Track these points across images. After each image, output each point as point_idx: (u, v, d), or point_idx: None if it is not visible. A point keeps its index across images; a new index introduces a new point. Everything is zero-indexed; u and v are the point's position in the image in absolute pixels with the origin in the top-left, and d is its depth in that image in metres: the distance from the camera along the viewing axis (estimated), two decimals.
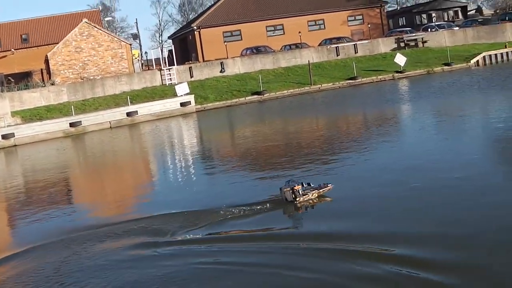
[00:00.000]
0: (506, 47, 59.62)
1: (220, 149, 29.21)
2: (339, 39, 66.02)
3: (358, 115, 34.97)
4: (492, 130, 22.60)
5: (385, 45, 62.74)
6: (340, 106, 39.78)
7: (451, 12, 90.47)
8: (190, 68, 57.36)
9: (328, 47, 61.80)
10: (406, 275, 9.76)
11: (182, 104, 47.92)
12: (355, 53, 60.71)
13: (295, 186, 15.36)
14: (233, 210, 15.15)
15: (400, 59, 53.33)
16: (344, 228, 12.84)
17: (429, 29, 69.98)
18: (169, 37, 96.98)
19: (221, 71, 56.91)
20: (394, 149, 21.33)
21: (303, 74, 54.21)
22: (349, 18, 77.89)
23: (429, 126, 26.20)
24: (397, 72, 53.39)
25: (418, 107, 33.71)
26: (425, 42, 62.73)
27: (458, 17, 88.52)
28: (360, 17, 78.22)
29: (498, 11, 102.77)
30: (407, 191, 15.08)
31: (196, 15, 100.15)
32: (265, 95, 50.34)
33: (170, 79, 54.90)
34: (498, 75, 45.03)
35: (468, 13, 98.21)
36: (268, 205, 15.39)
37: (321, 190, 15.66)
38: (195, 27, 72.26)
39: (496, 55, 58.22)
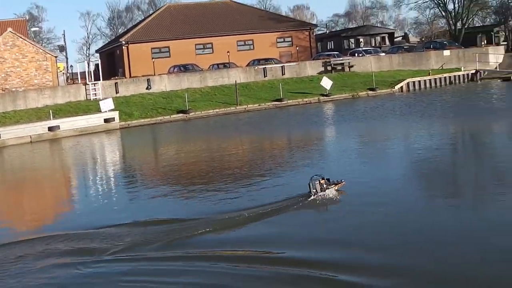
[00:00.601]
0: (429, 75, 60.92)
1: (141, 167, 28.90)
2: (267, 60, 66.29)
3: (281, 137, 35.24)
4: (410, 155, 23.15)
5: (312, 68, 63.22)
6: (264, 128, 39.80)
7: (378, 38, 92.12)
8: (116, 83, 56.56)
9: (256, 68, 61.92)
10: None
11: (106, 120, 47.21)
12: (283, 74, 61.00)
13: (320, 179, 16.66)
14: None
15: (326, 83, 53.83)
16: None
17: (356, 54, 71.08)
18: (96, 51, 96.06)
19: (147, 88, 56.31)
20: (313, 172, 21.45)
21: (229, 94, 54.15)
22: (278, 40, 78.55)
23: (351, 150, 26.52)
24: (323, 95, 53.80)
25: (341, 131, 34.31)
26: (352, 66, 63.51)
27: (385, 43, 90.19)
28: (289, 39, 78.95)
29: (423, 39, 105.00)
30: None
31: (125, 29, 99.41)
32: (190, 114, 50.05)
33: (95, 94, 54.00)
34: (420, 102, 46.04)
35: (395, 39, 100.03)
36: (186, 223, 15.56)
37: (338, 185, 17.02)
38: (123, 42, 71.78)
39: (420, 82, 59.41)
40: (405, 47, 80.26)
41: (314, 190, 16.55)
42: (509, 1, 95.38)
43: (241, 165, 25.06)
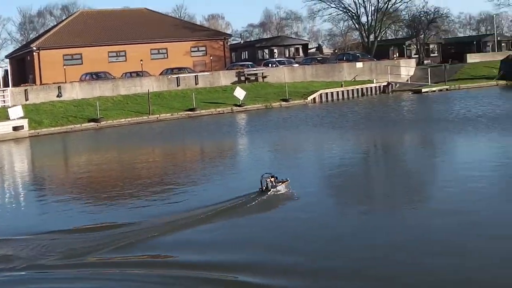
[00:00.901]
0: (342, 86, 61.73)
1: (50, 176, 28.18)
2: (180, 69, 65.92)
3: (193, 147, 35.01)
4: (320, 165, 23.31)
5: (226, 78, 63.19)
6: (176, 137, 39.62)
7: (292, 49, 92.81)
8: (26, 90, 55.09)
9: (169, 77, 61.46)
10: None
11: (15, 128, 45.91)
12: (196, 84, 60.73)
13: (270, 177, 18.06)
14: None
15: (240, 93, 53.84)
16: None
17: (270, 65, 71.40)
18: (6, 57, 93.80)
19: (58, 96, 55.11)
20: (221, 183, 21.42)
21: (142, 103, 53.53)
22: (192, 49, 78.29)
23: (263, 160, 26.56)
24: (236, 105, 53.79)
25: (254, 141, 34.26)
26: (265, 77, 63.73)
27: (298, 54, 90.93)
28: (204, 48, 78.80)
29: (337, 50, 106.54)
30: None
31: (37, 35, 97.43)
32: (102, 123, 49.22)
33: (4, 101, 52.61)
34: (332, 113, 46.64)
35: (309, 50, 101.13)
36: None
37: (285, 183, 18.48)
38: (34, 48, 70.22)
39: (332, 93, 60.16)
40: (318, 58, 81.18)
41: (265, 187, 17.85)
42: (421, 15, 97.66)
43: (152, 175, 24.73)
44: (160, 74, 64.61)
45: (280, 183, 18.37)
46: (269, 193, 17.74)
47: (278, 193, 17.93)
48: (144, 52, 73.39)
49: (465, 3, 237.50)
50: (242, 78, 63.32)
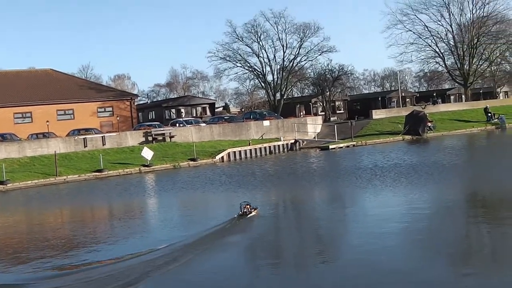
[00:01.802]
0: (249, 145, 62.35)
1: None
2: (87, 130, 65.50)
3: (100, 208, 34.69)
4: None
5: (133, 138, 62.97)
6: (83, 199, 39.09)
7: (199, 108, 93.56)
8: None
9: (76, 137, 60.86)
10: None
11: None
12: (103, 145, 60.29)
13: (247, 205, 24.19)
14: None
15: (147, 153, 53.68)
16: None
17: (177, 124, 71.69)
18: None
19: None
20: (126, 244, 21.43)
21: (49, 164, 52.75)
22: (99, 110, 78.08)
23: (169, 220, 26.68)
24: (144, 165, 53.54)
25: (161, 201, 34.31)
26: (173, 136, 63.87)
27: (206, 113, 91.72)
28: (110, 109, 78.68)
29: (244, 109, 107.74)
30: None
31: None
32: (8, 185, 48.19)
33: None
34: (240, 171, 46.96)
35: (216, 109, 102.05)
36: None
37: (256, 210, 24.39)
38: None
39: (240, 151, 60.63)
40: (225, 117, 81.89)
41: (242, 212, 23.75)
42: (326, 72, 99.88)
43: (57, 236, 24.46)
44: (66, 135, 64.05)
45: (254, 210, 24.18)
46: (244, 215, 23.48)
47: (251, 216, 23.51)
48: (50, 113, 72.77)
49: (369, 60, 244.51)
50: (150, 138, 63.26)
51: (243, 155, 60.53)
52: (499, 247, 17.10)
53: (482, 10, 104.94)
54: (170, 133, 64.58)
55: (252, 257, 18.43)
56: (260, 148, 62.99)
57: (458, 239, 18.50)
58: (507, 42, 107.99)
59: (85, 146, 59.44)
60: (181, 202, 33.74)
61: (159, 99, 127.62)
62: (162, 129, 66.57)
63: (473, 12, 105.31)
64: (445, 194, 27.56)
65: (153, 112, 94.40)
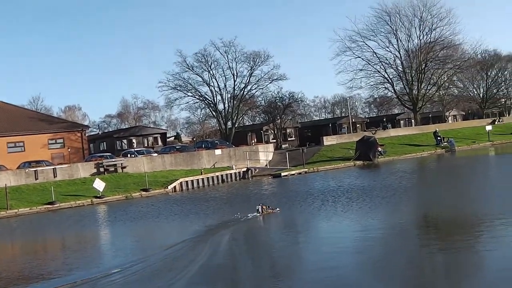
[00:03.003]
0: (202, 174, 62.43)
1: None
2: (38, 162, 64.96)
3: (51, 240, 34.45)
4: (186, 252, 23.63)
5: (85, 169, 62.55)
6: (35, 232, 38.83)
7: (151, 138, 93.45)
8: None
9: (27, 170, 60.31)
10: None
11: None
12: (55, 177, 59.75)
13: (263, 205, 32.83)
14: None
15: (99, 184, 53.39)
16: None
17: (128, 155, 71.47)
18: None
19: None
20: (78, 273, 21.48)
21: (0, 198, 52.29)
22: (50, 141, 77.59)
23: (122, 249, 26.74)
24: (96, 197, 53.26)
25: (113, 232, 34.31)
26: (125, 167, 63.58)
27: (157, 143, 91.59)
28: (61, 140, 78.24)
29: (195, 138, 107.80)
30: None
31: None
32: None
33: None
34: (192, 201, 47.00)
35: (168, 139, 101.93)
36: None
37: (273, 210, 32.89)
38: None
39: (192, 181, 60.68)
40: (177, 147, 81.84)
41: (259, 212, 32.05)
42: (277, 100, 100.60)
43: (10, 269, 24.34)
44: (17, 168, 63.41)
45: (271, 210, 32.64)
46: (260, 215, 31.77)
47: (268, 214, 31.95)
48: (0, 145, 72.05)
49: (319, 87, 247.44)
50: (101, 169, 62.89)
51: (195, 185, 60.56)
52: (449, 270, 17.48)
53: (429, 36, 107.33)
54: (121, 163, 64.28)
55: (205, 282, 18.54)
56: (213, 177, 63.13)
57: (409, 262, 18.86)
58: (454, 67, 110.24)
59: (36, 179, 58.88)
60: (132, 231, 33.77)
61: (111, 130, 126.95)
62: (113, 160, 66.22)
63: (421, 38, 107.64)
64: (396, 218, 28.05)
65: (105, 143, 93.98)
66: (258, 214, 31.88)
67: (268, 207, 33.05)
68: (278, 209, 33.23)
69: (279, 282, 17.58)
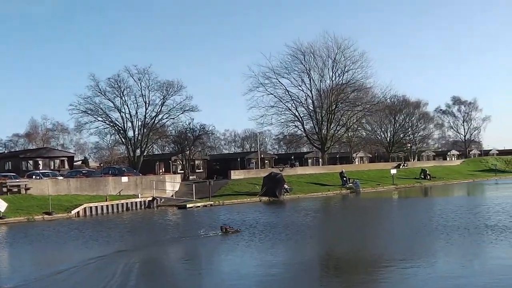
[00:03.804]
0: (107, 200, 61.80)
1: None
2: None
3: None
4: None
5: None
6: None
7: (57, 161, 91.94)
8: None
9: None
10: None
11: None
12: None
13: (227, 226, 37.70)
14: None
15: (1, 205, 52.27)
16: None
17: (33, 176, 70.16)
18: None
19: None
20: None
21: None
22: None
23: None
24: None
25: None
26: (29, 189, 62.20)
27: (64, 167, 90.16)
28: None
29: (103, 164, 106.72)
30: None
31: None
32: None
33: None
34: (95, 227, 46.54)
35: (75, 163, 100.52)
36: None
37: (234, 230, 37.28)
38: None
39: (97, 207, 59.89)
40: (84, 171, 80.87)
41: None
42: (187, 131, 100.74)
43: None
44: None
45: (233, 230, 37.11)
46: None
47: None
48: None
49: (230, 120, 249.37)
50: (4, 189, 61.43)
51: (99, 211, 59.76)
52: None
53: (342, 77, 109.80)
54: (26, 185, 62.87)
55: None
56: (117, 204, 62.46)
57: None
58: (363, 109, 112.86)
59: None
60: (26, 254, 33.33)
61: (17, 149, 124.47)
62: (18, 180, 64.71)
63: (333, 79, 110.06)
64: (298, 255, 28.57)
65: (10, 162, 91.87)
66: (220, 233, 36.90)
67: (231, 227, 37.96)
68: (238, 230, 38.00)
69: None
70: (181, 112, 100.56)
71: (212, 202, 66.40)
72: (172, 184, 74.54)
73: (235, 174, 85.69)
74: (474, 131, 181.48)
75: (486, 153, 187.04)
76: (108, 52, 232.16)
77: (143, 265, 27.97)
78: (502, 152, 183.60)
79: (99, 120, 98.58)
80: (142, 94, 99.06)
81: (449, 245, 29.28)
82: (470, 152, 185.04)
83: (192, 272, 26.08)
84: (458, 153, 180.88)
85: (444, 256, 26.57)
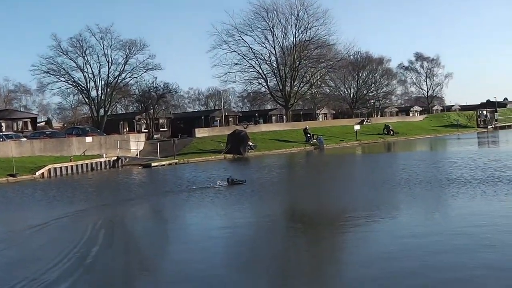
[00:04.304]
0: (71, 161, 61.60)
1: None
2: None
3: None
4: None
5: None
6: None
7: (20, 123, 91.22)
8: None
9: None
10: None
11: None
12: None
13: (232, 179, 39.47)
14: None
15: None
16: None
17: None
18: None
19: None
20: None
21: None
22: None
23: None
24: None
25: None
26: None
27: (27, 128, 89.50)
28: None
29: (66, 125, 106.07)
30: None
31: None
32: None
33: None
34: (59, 188, 46.47)
35: (38, 124, 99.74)
36: None
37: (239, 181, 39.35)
38: None
39: (61, 168, 59.70)
40: (47, 132, 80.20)
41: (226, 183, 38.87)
42: (151, 90, 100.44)
43: None
44: None
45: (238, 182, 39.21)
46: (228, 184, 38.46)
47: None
48: None
49: (194, 79, 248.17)
50: None
51: (64, 172, 59.58)
52: (314, 263, 18.21)
53: (305, 34, 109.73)
54: None
55: None
56: (82, 165, 62.31)
57: (275, 258, 19.20)
58: (327, 66, 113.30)
59: None
60: None
61: None
62: None
63: (296, 36, 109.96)
64: (263, 211, 28.88)
65: None
66: (226, 184, 39.06)
67: (237, 179, 39.97)
68: (245, 181, 40.20)
69: (144, 277, 17.65)
70: (144, 71, 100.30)
71: (177, 161, 66.61)
72: (136, 143, 74.43)
73: (200, 133, 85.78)
74: (437, 87, 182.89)
75: (449, 108, 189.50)
76: (69, 13, 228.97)
77: (112, 223, 28.12)
78: (464, 108, 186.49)
79: (61, 81, 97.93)
80: (104, 53, 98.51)
81: (412, 198, 29.78)
82: (433, 108, 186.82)
83: (157, 229, 26.36)
84: (421, 109, 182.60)
85: (407, 209, 27.10)
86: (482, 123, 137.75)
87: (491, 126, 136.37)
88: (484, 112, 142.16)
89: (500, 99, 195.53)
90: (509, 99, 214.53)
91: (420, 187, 33.80)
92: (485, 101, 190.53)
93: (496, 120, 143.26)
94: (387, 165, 53.04)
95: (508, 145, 77.26)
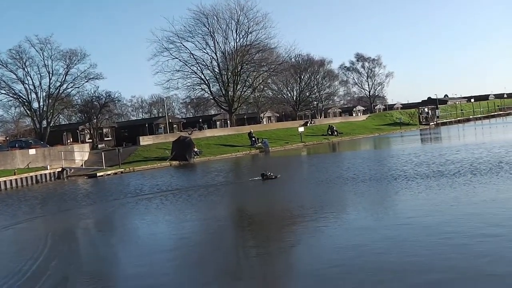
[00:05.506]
0: (15, 174, 60.85)
1: None
2: None
3: None
4: None
5: None
6: None
7: None
8: None
9: None
10: None
11: None
12: None
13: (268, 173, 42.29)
14: None
15: None
16: None
17: None
18: None
19: None
20: None
21: None
22: None
23: None
24: None
25: None
26: None
27: None
28: None
29: (8, 137, 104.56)
30: None
31: None
32: None
33: None
34: (1, 201, 45.99)
35: None
36: None
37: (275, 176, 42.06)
38: None
39: (5, 181, 58.86)
40: None
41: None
42: (93, 99, 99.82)
43: None
44: None
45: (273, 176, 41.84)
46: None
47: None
48: None
49: (136, 87, 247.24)
50: None
51: (8, 185, 58.73)
52: (263, 266, 18.32)
53: (246, 39, 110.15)
54: None
55: None
56: (26, 177, 61.61)
57: (226, 261, 19.19)
58: (269, 70, 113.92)
59: None
60: None
61: None
62: None
63: (237, 40, 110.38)
64: (211, 215, 29.01)
65: None
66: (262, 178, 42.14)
67: (271, 174, 42.53)
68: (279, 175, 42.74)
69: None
70: (86, 80, 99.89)
71: (122, 169, 66.33)
72: (81, 154, 73.98)
73: (144, 140, 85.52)
74: (378, 86, 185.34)
75: (391, 107, 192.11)
76: (7, 25, 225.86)
77: (66, 231, 27.98)
78: (405, 106, 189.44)
79: (2, 93, 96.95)
80: (45, 64, 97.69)
81: (358, 196, 30.28)
82: (375, 107, 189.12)
83: (107, 240, 26.31)
84: (363, 108, 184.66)
85: (353, 205, 27.64)
86: (424, 120, 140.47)
87: (433, 123, 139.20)
88: (426, 110, 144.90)
89: (440, 96, 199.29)
90: (449, 96, 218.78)
91: (365, 184, 34.40)
92: (426, 99, 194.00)
93: (437, 117, 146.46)
94: (333, 164, 53.53)
95: (450, 141, 78.67)
